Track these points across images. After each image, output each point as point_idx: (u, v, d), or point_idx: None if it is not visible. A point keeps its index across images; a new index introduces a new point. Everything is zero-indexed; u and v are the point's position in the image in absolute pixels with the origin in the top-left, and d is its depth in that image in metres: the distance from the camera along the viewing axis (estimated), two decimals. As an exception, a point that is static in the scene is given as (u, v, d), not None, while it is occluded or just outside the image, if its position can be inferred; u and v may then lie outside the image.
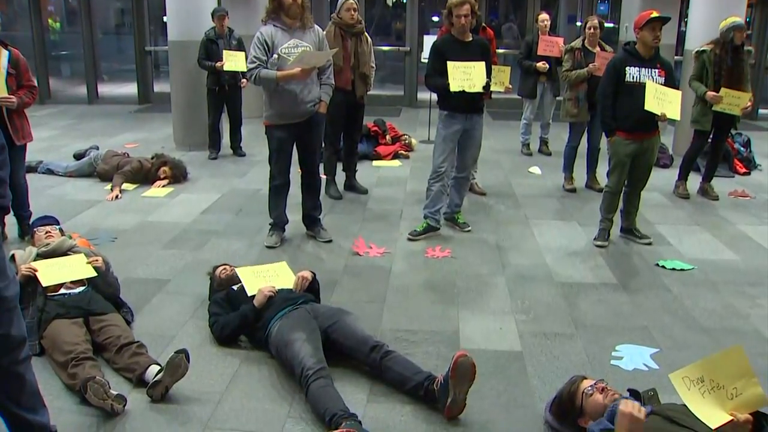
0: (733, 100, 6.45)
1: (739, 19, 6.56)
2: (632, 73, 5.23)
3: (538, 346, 3.86)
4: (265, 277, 3.97)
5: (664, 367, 3.59)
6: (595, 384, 2.94)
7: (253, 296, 3.79)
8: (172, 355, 3.21)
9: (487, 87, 5.30)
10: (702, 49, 6.67)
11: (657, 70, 5.24)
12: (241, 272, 4.01)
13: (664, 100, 5.12)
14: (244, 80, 8.07)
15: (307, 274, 3.99)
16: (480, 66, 5.26)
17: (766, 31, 12.45)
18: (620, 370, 3.62)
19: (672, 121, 5.62)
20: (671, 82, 5.30)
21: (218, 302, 3.92)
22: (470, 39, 5.40)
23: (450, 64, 5.21)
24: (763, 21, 12.43)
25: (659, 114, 5.12)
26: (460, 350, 3.12)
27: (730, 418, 2.46)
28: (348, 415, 2.92)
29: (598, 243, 5.53)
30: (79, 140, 9.22)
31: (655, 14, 5.13)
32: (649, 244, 5.54)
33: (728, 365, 2.52)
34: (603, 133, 7.08)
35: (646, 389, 2.99)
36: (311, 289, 3.99)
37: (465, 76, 5.21)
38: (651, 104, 5.11)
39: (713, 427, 2.46)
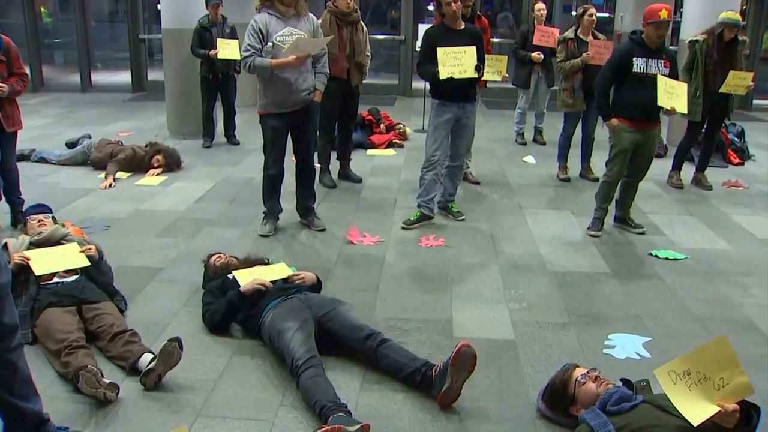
0: (738, 81, 6.49)
1: (736, 16, 6.52)
2: (639, 64, 5.21)
3: (531, 334, 3.88)
4: (261, 273, 3.95)
5: (656, 356, 3.61)
6: (587, 372, 2.96)
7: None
8: (165, 343, 3.21)
9: (479, 70, 5.28)
10: (695, 38, 6.67)
11: (663, 61, 5.23)
12: (237, 273, 3.98)
13: (673, 94, 5.12)
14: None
15: (307, 278, 3.97)
16: (470, 50, 5.23)
17: (760, 22, 12.44)
18: (613, 359, 3.63)
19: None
20: (675, 72, 5.32)
21: (212, 291, 3.91)
22: (463, 27, 5.39)
23: (440, 50, 5.18)
24: (758, 12, 12.42)
25: (669, 108, 5.12)
26: (464, 340, 3.12)
27: (716, 410, 2.47)
28: (337, 406, 2.92)
29: (592, 232, 5.53)
30: (73, 128, 9.18)
31: (663, 16, 5.08)
32: (642, 233, 5.55)
33: (714, 356, 2.53)
34: (597, 122, 7.15)
35: (638, 379, 3.01)
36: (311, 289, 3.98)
37: (455, 61, 5.18)
38: (663, 99, 5.11)
39: (695, 424, 2.46)
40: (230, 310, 3.74)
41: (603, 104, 5.41)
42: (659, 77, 5.12)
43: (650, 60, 5.21)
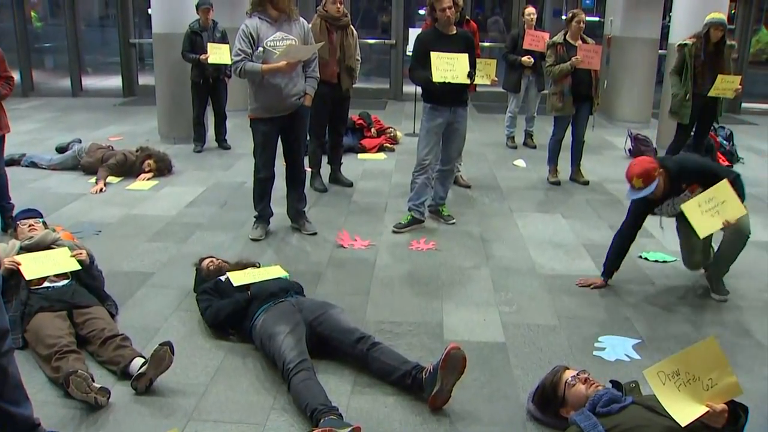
0: (726, 85, 6.54)
1: (720, 16, 6.57)
2: (657, 212, 4.47)
3: (521, 337, 3.89)
4: (254, 274, 3.97)
5: (645, 358, 3.64)
6: (577, 374, 2.98)
7: (240, 287, 3.81)
8: (156, 347, 3.21)
9: (471, 77, 5.30)
10: (684, 42, 6.72)
11: (682, 195, 4.29)
12: (231, 274, 3.99)
13: (714, 207, 4.09)
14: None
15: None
16: (463, 57, 5.26)
17: (748, 26, 12.53)
18: (602, 361, 3.66)
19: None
20: (713, 181, 4.15)
21: (208, 291, 3.92)
22: (454, 32, 5.41)
23: (433, 54, 5.20)
24: (746, 16, 12.50)
25: (721, 228, 4.16)
26: (454, 343, 3.14)
27: (705, 410, 2.49)
28: (328, 409, 2.93)
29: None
30: (63, 133, 9.14)
31: (638, 185, 4.14)
32: (725, 300, 4.52)
33: (703, 357, 2.55)
34: (587, 125, 7.19)
35: (627, 381, 3.02)
36: None
37: (448, 66, 5.20)
38: (704, 227, 4.14)
39: (684, 424, 2.49)
40: (236, 310, 3.74)
41: (610, 262, 4.60)
42: (684, 208, 4.15)
43: (664, 202, 4.36)
